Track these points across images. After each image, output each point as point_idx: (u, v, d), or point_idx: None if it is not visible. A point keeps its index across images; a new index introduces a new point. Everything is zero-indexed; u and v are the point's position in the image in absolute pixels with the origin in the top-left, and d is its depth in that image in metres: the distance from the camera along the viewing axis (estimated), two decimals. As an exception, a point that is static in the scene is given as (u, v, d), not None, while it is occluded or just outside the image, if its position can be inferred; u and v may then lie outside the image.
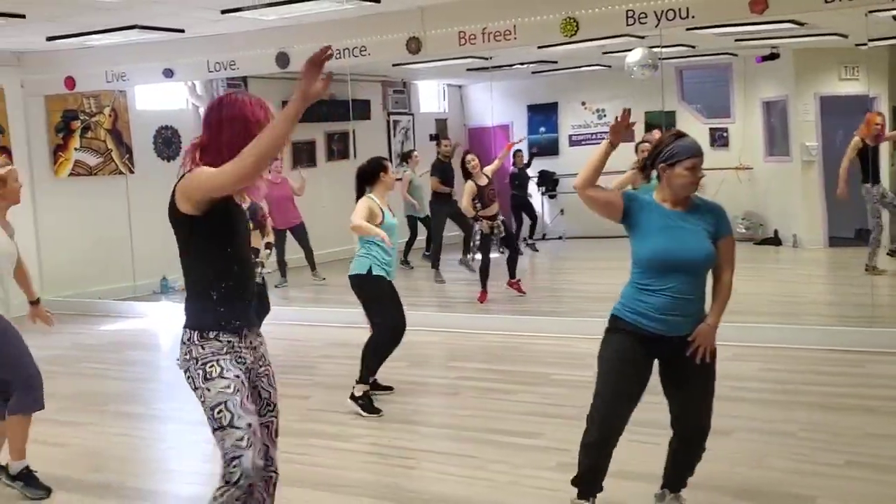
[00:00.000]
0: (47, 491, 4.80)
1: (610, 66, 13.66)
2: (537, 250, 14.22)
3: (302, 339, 8.55)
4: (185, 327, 3.24)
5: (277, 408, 3.39)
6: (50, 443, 5.56)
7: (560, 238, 15.58)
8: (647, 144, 9.48)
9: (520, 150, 15.12)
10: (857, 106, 11.09)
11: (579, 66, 14.03)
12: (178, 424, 6.22)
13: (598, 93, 15.36)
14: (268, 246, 6.94)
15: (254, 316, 3.34)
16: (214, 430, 3.12)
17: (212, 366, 3.15)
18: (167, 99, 12.42)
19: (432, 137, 16.01)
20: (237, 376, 3.15)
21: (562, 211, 15.72)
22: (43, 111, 11.13)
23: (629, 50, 10.02)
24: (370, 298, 6.18)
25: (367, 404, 6.05)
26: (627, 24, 7.79)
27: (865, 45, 9.23)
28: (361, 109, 12.94)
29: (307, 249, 11.77)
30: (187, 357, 3.20)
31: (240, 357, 3.22)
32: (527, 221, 14.48)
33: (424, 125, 16.09)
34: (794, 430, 5.29)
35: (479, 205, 9.58)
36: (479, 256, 9.82)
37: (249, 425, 3.09)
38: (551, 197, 15.84)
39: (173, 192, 3.14)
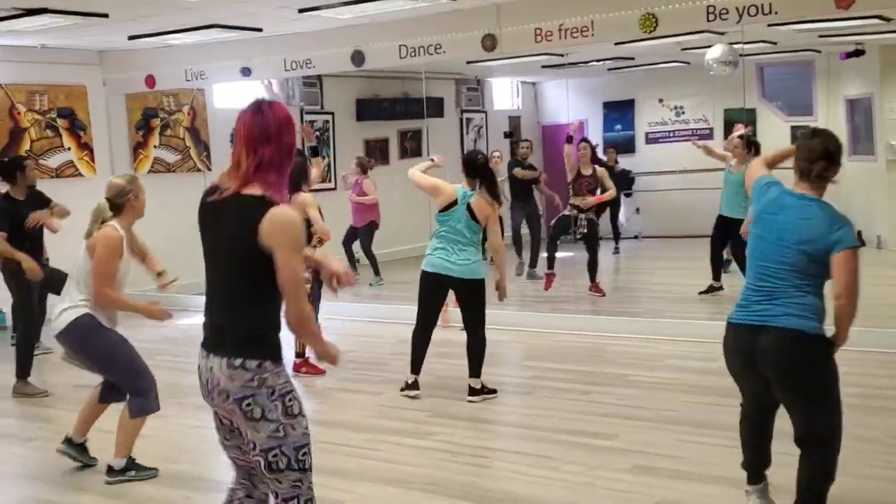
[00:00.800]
0: (155, 469, 5.06)
1: (689, 63, 13.46)
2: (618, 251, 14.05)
3: (373, 335, 8.59)
4: (252, 357, 2.93)
5: None
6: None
7: (636, 237, 15.39)
8: (738, 140, 9.38)
9: (612, 147, 14.94)
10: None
11: (657, 63, 13.84)
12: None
13: (676, 90, 15.13)
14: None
15: None
16: (291, 470, 2.95)
17: (291, 400, 2.97)
18: (243, 97, 12.60)
19: (506, 135, 15.97)
20: (305, 415, 3.04)
21: (637, 210, 15.53)
22: (124, 109, 11.39)
23: (709, 46, 9.86)
24: (483, 302, 6.27)
25: (487, 389, 6.26)
26: (708, 20, 7.64)
27: (957, 42, 8.92)
28: (435, 107, 12.98)
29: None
30: (254, 384, 2.93)
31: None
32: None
33: (498, 123, 16.05)
34: (879, 437, 5.12)
35: (570, 189, 9.65)
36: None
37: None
38: (627, 195, 15.65)
39: (250, 218, 2.86)
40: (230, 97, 12.42)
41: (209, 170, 12.04)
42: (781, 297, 3.63)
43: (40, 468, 5.34)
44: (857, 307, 3.60)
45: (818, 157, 3.67)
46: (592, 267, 9.85)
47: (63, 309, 4.87)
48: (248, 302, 2.95)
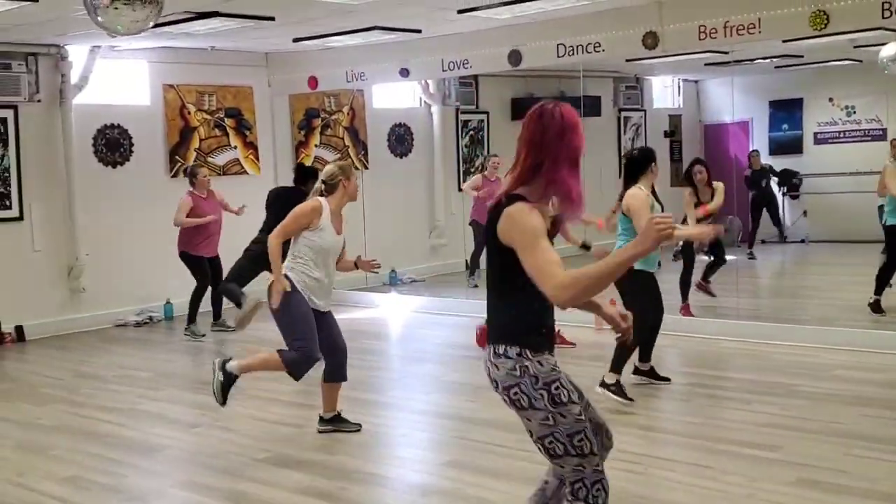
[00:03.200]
0: (358, 425, 5.73)
1: (861, 61, 12.81)
2: (754, 258, 13.43)
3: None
4: (511, 345, 3.01)
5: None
6: (287, 423, 5.86)
7: (803, 241, 14.73)
8: None
9: (756, 151, 14.47)
10: None
11: (827, 61, 13.22)
12: (409, 413, 6.39)
13: (848, 89, 14.41)
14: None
15: None
16: (570, 455, 3.00)
17: (558, 387, 3.00)
18: (401, 97, 12.83)
19: (666, 134, 15.62)
20: (581, 397, 3.09)
21: (805, 212, 14.87)
22: (287, 109, 11.80)
23: (883, 44, 9.37)
24: (628, 293, 6.20)
25: (618, 390, 6.15)
26: (883, 17, 7.21)
27: None
28: (592, 106, 12.80)
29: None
30: (516, 373, 3.00)
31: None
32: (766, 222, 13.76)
33: (657, 122, 15.72)
34: None
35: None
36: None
37: (597, 450, 3.07)
38: (794, 198, 15.01)
39: (499, 213, 2.96)
40: (388, 97, 12.68)
41: (366, 168, 12.31)
42: None
43: (202, 454, 5.57)
44: None
45: None
46: (713, 267, 9.38)
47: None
48: (499, 294, 3.08)
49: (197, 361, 8.41)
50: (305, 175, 8.64)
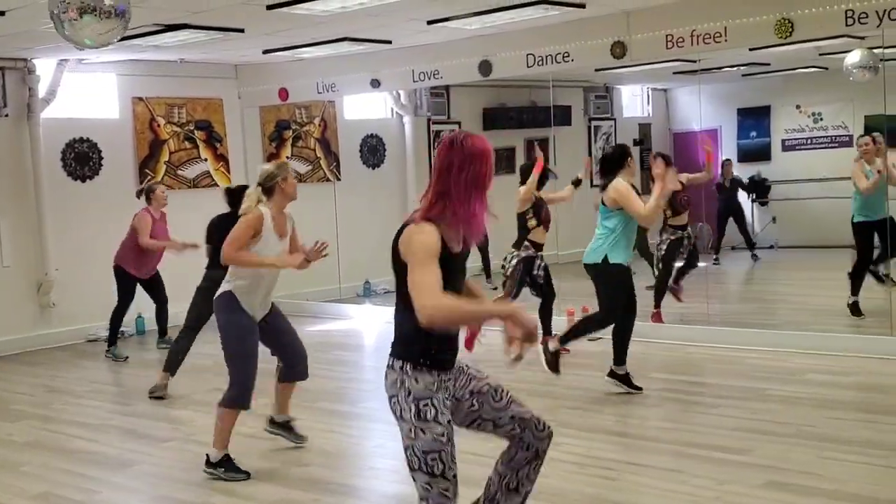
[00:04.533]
0: (247, 474, 5.19)
1: (827, 68, 12.97)
2: (718, 263, 13.52)
3: (492, 344, 8.55)
4: (397, 357, 3.23)
5: (502, 386, 3.43)
6: (259, 436, 5.84)
7: (772, 247, 14.90)
8: (867, 138, 8.99)
9: (728, 160, 14.61)
10: None
11: (793, 68, 13.39)
12: (382, 424, 6.36)
13: (814, 95, 14.60)
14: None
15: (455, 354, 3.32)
16: (421, 471, 3.15)
17: (426, 405, 3.14)
18: (372, 108, 12.86)
19: (635, 143, 15.75)
20: (449, 422, 3.19)
21: (774, 219, 15.04)
22: (257, 121, 11.78)
23: (847, 51, 9.51)
24: (604, 286, 6.40)
25: (627, 381, 6.45)
26: (847, 25, 7.35)
27: None
28: (562, 115, 12.89)
29: (485, 257, 11.87)
30: (400, 384, 3.18)
31: (448, 390, 3.24)
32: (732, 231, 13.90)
33: (627, 130, 15.83)
34: None
35: (668, 211, 9.02)
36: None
37: (455, 476, 3.19)
38: (762, 204, 15.18)
39: (398, 236, 3.16)
40: (360, 108, 12.70)
41: (339, 179, 12.32)
42: None
43: (174, 468, 5.54)
44: None
45: None
46: (684, 271, 9.45)
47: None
48: (397, 309, 3.25)
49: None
50: (238, 197, 8.16)
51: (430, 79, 10.11)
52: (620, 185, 6.35)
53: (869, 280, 9.69)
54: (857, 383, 6.72)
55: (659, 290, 9.06)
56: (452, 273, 3.19)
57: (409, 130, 12.90)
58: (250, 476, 5.17)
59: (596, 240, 6.46)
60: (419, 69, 10.03)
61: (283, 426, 5.72)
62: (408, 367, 3.16)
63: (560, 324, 8.34)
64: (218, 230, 7.95)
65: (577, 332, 6.57)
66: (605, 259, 6.34)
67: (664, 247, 9.10)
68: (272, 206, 5.26)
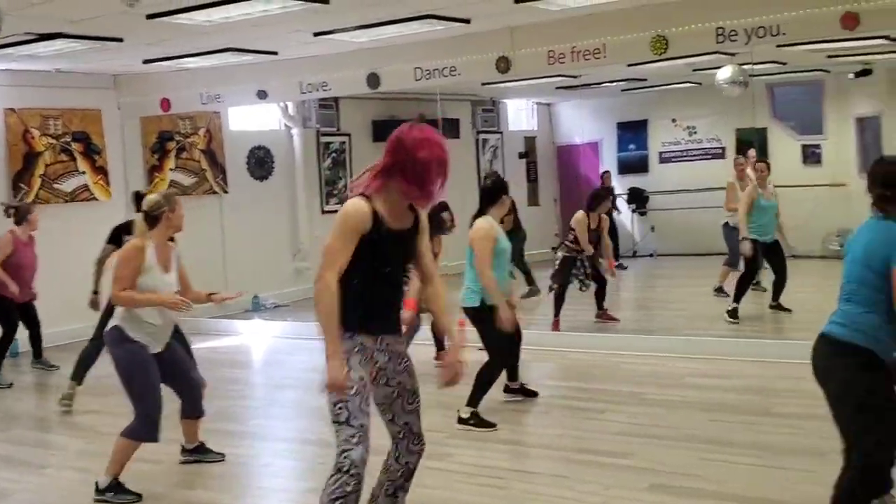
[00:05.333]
0: (138, 496, 5.05)
1: (700, 84, 13.51)
2: (625, 268, 14.01)
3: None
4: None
5: (419, 396, 3.79)
6: (145, 459, 5.67)
7: (651, 255, 15.41)
8: (742, 159, 9.43)
9: (608, 171, 15.04)
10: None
11: (669, 84, 13.91)
12: (272, 442, 6.31)
13: (689, 110, 15.19)
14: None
15: (394, 323, 3.71)
16: (332, 420, 3.52)
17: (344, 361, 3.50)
18: (260, 119, 12.72)
19: (521, 155, 16.06)
20: (361, 378, 3.53)
21: (652, 228, 15.55)
22: (139, 132, 11.48)
23: (719, 67, 9.91)
24: (486, 328, 6.11)
25: (478, 422, 6.06)
26: (717, 42, 7.70)
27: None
28: (451, 128, 13.02)
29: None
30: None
31: (370, 358, 3.59)
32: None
33: (513, 143, 16.13)
34: None
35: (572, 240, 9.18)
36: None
37: (362, 426, 3.50)
38: (641, 214, 15.68)
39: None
40: (247, 119, 12.53)
41: (225, 192, 12.12)
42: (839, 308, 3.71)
43: (53, 495, 5.36)
44: None
45: (872, 182, 3.72)
46: (601, 293, 9.58)
47: None
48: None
49: (45, 400, 8.06)
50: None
51: (318, 90, 10.08)
52: (479, 229, 6.08)
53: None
54: (736, 386, 6.99)
55: (559, 298, 9.24)
56: (392, 249, 3.54)
57: (297, 142, 12.82)
58: (141, 498, 5.03)
59: (470, 282, 6.17)
60: (307, 81, 9.99)
61: (196, 451, 5.64)
62: (342, 330, 3.50)
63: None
64: (128, 233, 7.68)
65: (480, 390, 6.14)
66: (483, 302, 6.06)
67: (558, 263, 9.31)
68: (155, 237, 5.07)
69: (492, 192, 6.26)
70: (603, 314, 9.60)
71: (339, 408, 3.49)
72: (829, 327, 3.70)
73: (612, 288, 10.00)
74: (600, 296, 9.59)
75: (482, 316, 6.07)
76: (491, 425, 6.04)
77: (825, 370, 3.70)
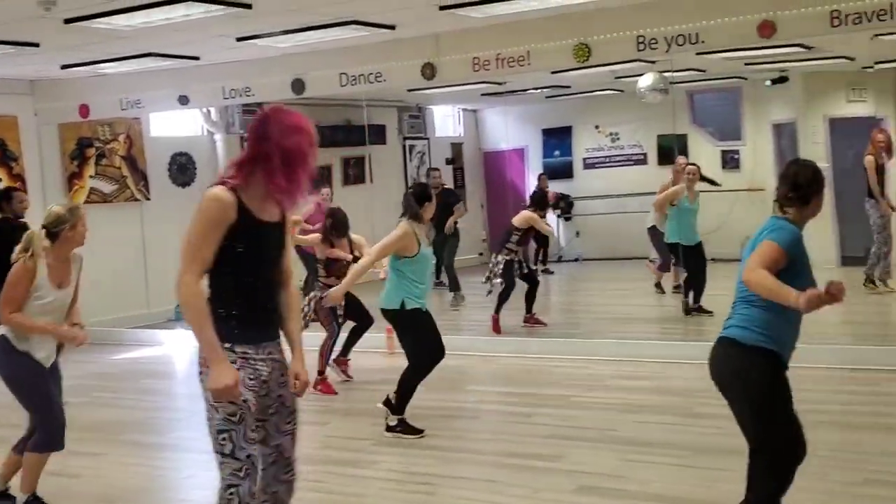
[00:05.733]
0: None
1: (622, 91, 13.73)
2: (552, 272, 14.19)
3: (314, 364, 8.53)
4: None
5: (297, 418, 3.42)
6: (64, 474, 5.52)
7: (576, 260, 15.61)
8: (682, 161, 9.66)
9: (544, 174, 15.15)
10: (865, 127, 11.13)
11: (592, 91, 14.11)
12: (194, 454, 6.19)
13: (612, 116, 15.43)
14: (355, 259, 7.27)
15: (275, 328, 3.36)
16: (215, 451, 3.22)
17: None
18: (182, 125, 12.52)
19: (448, 161, 16.12)
20: (245, 401, 3.17)
21: (577, 233, 15.75)
22: (57, 139, 11.19)
23: (641, 74, 10.09)
24: (406, 331, 6.14)
25: (405, 428, 6.04)
26: (638, 50, 7.84)
27: (872, 67, 9.30)
28: (377, 134, 13.03)
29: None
30: (204, 363, 3.20)
31: (255, 370, 3.22)
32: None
33: (440, 149, 16.17)
34: (812, 450, 5.23)
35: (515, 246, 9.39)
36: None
37: (249, 457, 3.21)
38: (567, 219, 15.86)
39: None
40: (168, 125, 12.32)
41: (147, 199, 11.89)
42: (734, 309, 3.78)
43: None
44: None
45: (782, 182, 3.85)
46: (531, 297, 9.67)
47: None
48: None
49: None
50: (6, 197, 8.09)
51: (241, 96, 9.95)
52: (394, 234, 6.08)
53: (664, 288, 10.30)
54: (658, 388, 7.12)
55: (503, 298, 9.34)
56: (264, 243, 3.24)
57: (220, 148, 12.63)
58: None
59: (390, 284, 6.15)
60: (230, 86, 9.86)
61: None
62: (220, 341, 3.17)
63: (379, 340, 8.41)
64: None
65: (403, 397, 6.11)
66: (403, 305, 6.03)
67: (500, 267, 9.36)
68: (51, 253, 4.71)
69: (415, 199, 6.21)
70: (531, 318, 9.68)
71: (223, 438, 3.16)
72: (732, 331, 3.71)
73: (540, 292, 10.09)
74: (530, 299, 9.67)
75: (402, 319, 6.08)
76: (418, 431, 6.04)
77: (732, 374, 3.72)
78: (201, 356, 3.20)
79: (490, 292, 9.50)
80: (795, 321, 3.68)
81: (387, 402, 6.12)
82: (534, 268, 9.82)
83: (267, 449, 3.28)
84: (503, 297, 9.41)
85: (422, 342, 6.12)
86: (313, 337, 9.33)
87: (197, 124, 12.61)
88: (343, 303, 7.28)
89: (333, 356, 7.68)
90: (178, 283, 3.11)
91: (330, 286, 7.27)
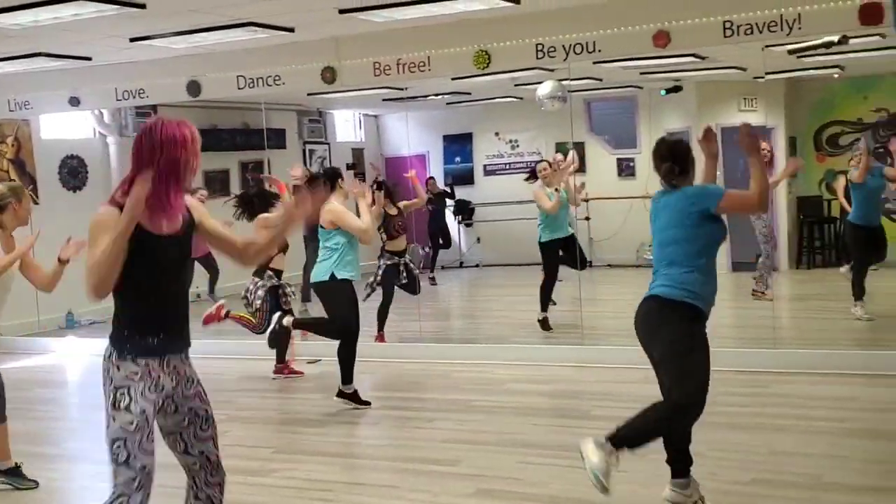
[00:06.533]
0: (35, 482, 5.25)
1: (522, 98, 13.91)
2: (436, 284, 14.13)
3: (216, 371, 8.38)
4: (109, 345, 3.25)
5: (214, 420, 3.44)
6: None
7: (477, 266, 15.73)
8: (545, 163, 9.80)
9: (433, 177, 15.23)
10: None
11: (492, 98, 14.24)
12: (88, 465, 6.03)
13: (511, 123, 15.60)
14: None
15: (181, 341, 3.34)
16: (111, 460, 3.18)
17: (122, 393, 3.16)
18: (73, 128, 12.15)
19: (349, 167, 16.04)
20: (143, 411, 3.15)
21: (478, 239, 15.89)
22: (-61, 140, 10.75)
23: (540, 82, 10.24)
24: (333, 302, 6.62)
25: (356, 398, 6.65)
26: (537, 58, 7.98)
27: (763, 78, 9.65)
28: (276, 138, 12.86)
29: (214, 273, 11.54)
30: (106, 373, 3.21)
31: (156, 383, 3.22)
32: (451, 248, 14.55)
33: (341, 154, 16.08)
34: (703, 450, 5.40)
35: (384, 235, 9.08)
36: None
37: (144, 467, 3.16)
38: (468, 225, 15.98)
39: None
40: (59, 127, 11.94)
41: (36, 203, 11.48)
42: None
43: None
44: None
45: (660, 159, 4.29)
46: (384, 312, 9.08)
47: None
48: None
49: None
50: None
51: (134, 98, 9.75)
52: (334, 206, 6.61)
53: (560, 294, 10.44)
54: (553, 391, 7.25)
55: (382, 313, 9.05)
56: (162, 256, 3.20)
57: (113, 151, 12.29)
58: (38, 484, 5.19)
59: (322, 260, 6.68)
60: (123, 87, 9.64)
61: (8, 473, 5.35)
62: (114, 355, 3.19)
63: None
64: None
65: (313, 326, 6.95)
66: (333, 276, 6.56)
67: (381, 272, 9.25)
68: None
69: (329, 180, 6.72)
70: (379, 336, 9.07)
71: (118, 446, 3.12)
72: (658, 290, 4.13)
73: (442, 297, 10.14)
74: (382, 314, 9.00)
75: (331, 289, 6.57)
76: (366, 403, 6.70)
77: (655, 326, 4.13)
78: (103, 373, 3.21)
79: (369, 296, 8.90)
80: (713, 280, 4.17)
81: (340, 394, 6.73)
82: (421, 274, 9.60)
83: (191, 457, 3.37)
84: (381, 312, 8.96)
85: (345, 312, 6.60)
86: (218, 344, 9.19)
87: (89, 127, 12.26)
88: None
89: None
90: (88, 292, 3.14)
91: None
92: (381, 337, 9.06)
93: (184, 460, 3.38)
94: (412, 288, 9.26)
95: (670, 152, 4.24)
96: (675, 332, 4.08)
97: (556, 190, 9.21)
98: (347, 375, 6.72)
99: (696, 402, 4.06)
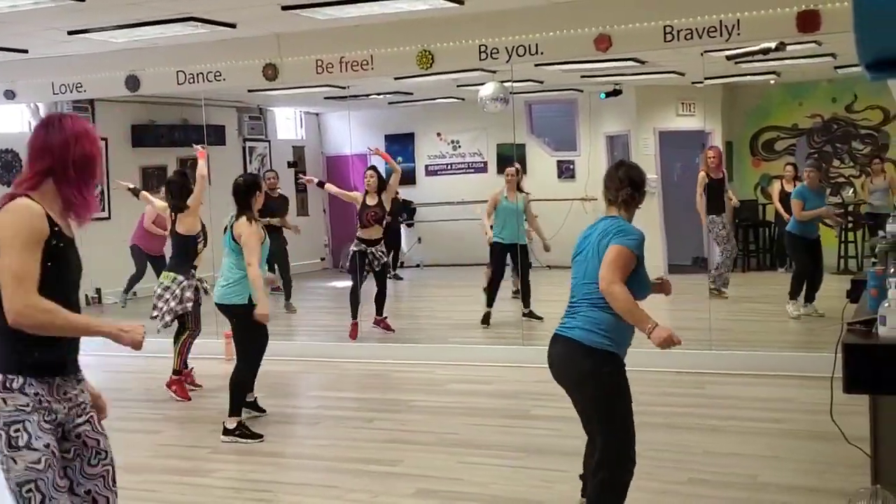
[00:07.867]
0: None
1: (464, 99, 13.93)
2: (401, 279, 14.26)
3: (150, 371, 8.25)
4: None
5: (110, 454, 3.00)
6: None
7: (418, 266, 15.73)
8: (510, 171, 9.89)
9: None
10: (693, 140, 11.74)
11: (434, 98, 14.25)
12: None
13: (453, 124, 15.63)
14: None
15: (72, 361, 2.96)
16: None
17: (18, 430, 2.76)
18: (8, 121, 11.84)
19: (290, 164, 15.91)
20: (48, 445, 2.79)
21: (419, 239, 15.88)
22: None
23: (482, 84, 10.27)
24: (247, 326, 6.05)
25: (244, 432, 5.98)
26: (480, 59, 8.01)
27: (701, 83, 9.82)
28: (216, 135, 12.69)
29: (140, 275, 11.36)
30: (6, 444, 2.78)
31: (50, 411, 2.83)
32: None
33: (281, 152, 15.94)
34: (640, 451, 5.45)
35: (356, 222, 9.20)
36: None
37: None
38: (409, 226, 15.97)
39: None
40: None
41: (-34, 198, 11.17)
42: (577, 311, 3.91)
43: None
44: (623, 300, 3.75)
45: (620, 184, 3.96)
46: (380, 299, 9.51)
47: None
48: None
49: None
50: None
51: (71, 91, 9.55)
52: (244, 226, 6.03)
53: (503, 293, 10.51)
54: (496, 391, 7.27)
55: (354, 299, 9.14)
56: (70, 262, 2.90)
57: (47, 146, 12.02)
58: None
59: (232, 279, 6.05)
60: (60, 81, 9.44)
61: None
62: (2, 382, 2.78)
63: (218, 346, 8.24)
64: None
65: (236, 398, 6.05)
66: (250, 300, 5.97)
67: (348, 259, 9.27)
68: None
69: (246, 190, 6.17)
70: (381, 321, 9.50)
71: (28, 490, 2.75)
72: (576, 332, 3.85)
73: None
74: (380, 301, 9.45)
75: (248, 314, 5.98)
76: (258, 436, 5.98)
77: (581, 375, 3.87)
78: (5, 431, 2.77)
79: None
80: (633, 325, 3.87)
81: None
82: (388, 268, 9.69)
83: (77, 498, 2.91)
84: (353, 299, 9.12)
85: (258, 337, 6.13)
86: (156, 343, 9.00)
87: (24, 120, 11.95)
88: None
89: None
90: (19, 314, 2.71)
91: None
92: (354, 328, 9.07)
93: (70, 500, 2.87)
94: (381, 280, 9.34)
95: (628, 178, 3.95)
96: (605, 388, 3.86)
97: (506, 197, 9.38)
98: (237, 407, 6.09)
99: (632, 455, 3.99)
